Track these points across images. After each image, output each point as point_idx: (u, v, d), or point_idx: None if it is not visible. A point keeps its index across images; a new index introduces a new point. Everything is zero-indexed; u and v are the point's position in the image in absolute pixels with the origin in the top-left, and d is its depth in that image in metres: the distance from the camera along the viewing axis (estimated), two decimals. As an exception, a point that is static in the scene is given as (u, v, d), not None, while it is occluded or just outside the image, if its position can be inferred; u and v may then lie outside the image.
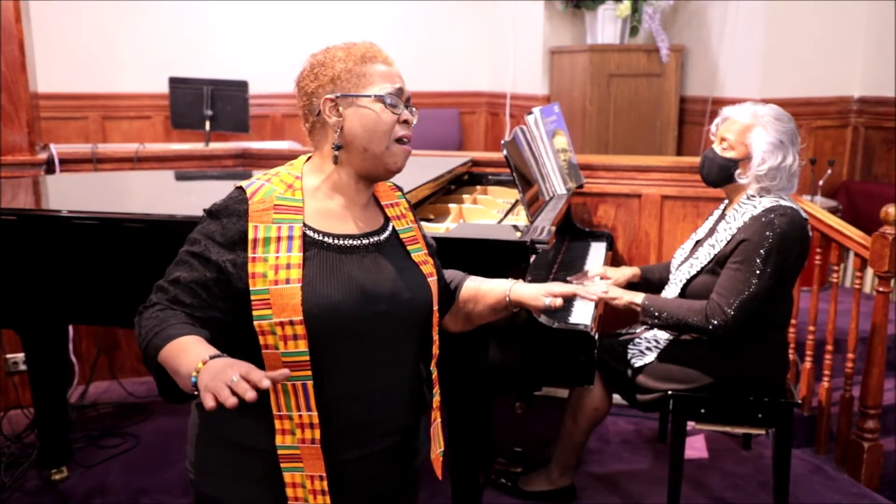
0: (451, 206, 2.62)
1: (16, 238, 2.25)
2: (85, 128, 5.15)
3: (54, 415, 2.74)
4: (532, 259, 2.03)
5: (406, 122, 1.34)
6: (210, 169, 3.50)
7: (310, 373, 1.24)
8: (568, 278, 2.53)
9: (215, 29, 5.30)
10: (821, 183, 4.15)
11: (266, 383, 1.01)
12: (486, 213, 2.60)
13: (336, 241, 1.31)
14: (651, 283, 2.65)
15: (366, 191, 1.38)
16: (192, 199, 2.72)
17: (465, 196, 2.86)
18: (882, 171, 4.48)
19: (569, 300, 2.37)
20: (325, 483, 1.26)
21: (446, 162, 2.98)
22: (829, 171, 4.22)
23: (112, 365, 3.44)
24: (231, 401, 0.99)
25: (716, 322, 2.25)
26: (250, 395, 1.00)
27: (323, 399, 1.26)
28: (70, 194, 2.73)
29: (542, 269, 2.50)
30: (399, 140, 1.33)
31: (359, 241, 1.34)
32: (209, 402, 1.00)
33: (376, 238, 1.36)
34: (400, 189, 1.50)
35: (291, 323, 1.22)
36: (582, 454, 2.79)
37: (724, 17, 4.58)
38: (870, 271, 3.39)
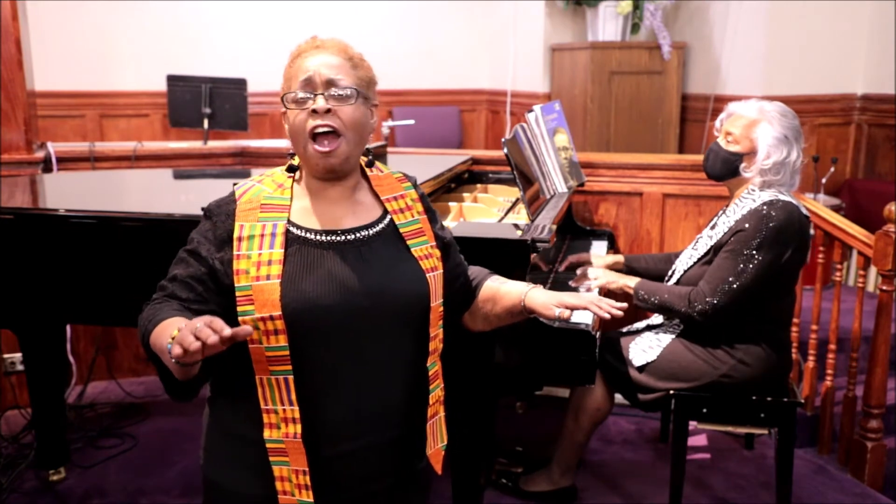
0: (452, 204, 2.60)
1: (13, 237, 2.24)
2: (82, 126, 5.13)
3: (52, 415, 2.72)
4: (533, 258, 2.01)
5: (316, 111, 1.27)
6: (208, 167, 3.48)
7: (290, 367, 1.26)
8: (570, 283, 2.50)
9: (214, 26, 5.28)
10: (824, 181, 4.14)
11: (227, 332, 1.04)
12: (487, 212, 2.58)
13: (318, 237, 1.32)
14: (635, 270, 2.66)
15: (338, 186, 1.36)
16: (191, 197, 2.71)
17: (465, 194, 2.85)
18: (885, 168, 4.46)
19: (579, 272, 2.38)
20: (307, 478, 1.28)
21: (446, 160, 2.97)
22: (832, 169, 4.21)
23: (110, 365, 3.42)
24: (195, 345, 1.03)
25: (698, 308, 2.27)
26: (212, 339, 1.03)
27: (309, 393, 1.28)
28: (68, 193, 2.71)
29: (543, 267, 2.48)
30: (313, 136, 1.28)
31: (343, 237, 1.33)
32: (175, 350, 1.05)
33: (365, 233, 1.35)
34: (411, 179, 1.47)
35: (272, 318, 1.25)
36: (583, 454, 2.78)
37: (726, 14, 4.56)
38: (873, 270, 3.39)
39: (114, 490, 2.67)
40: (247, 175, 2.95)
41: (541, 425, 3.06)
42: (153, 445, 2.97)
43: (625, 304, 1.40)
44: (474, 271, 1.55)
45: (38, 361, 2.67)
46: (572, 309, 1.38)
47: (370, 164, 1.42)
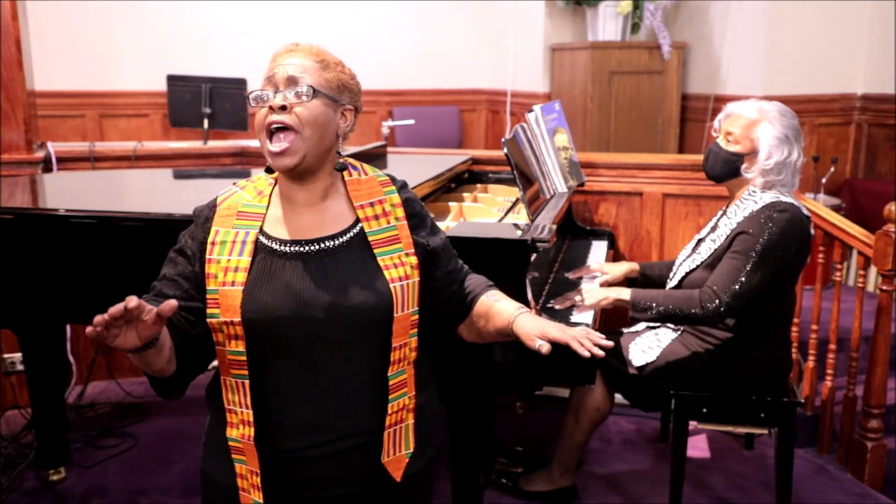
0: (452, 204, 2.60)
1: (13, 237, 2.24)
2: (82, 126, 5.13)
3: (52, 415, 2.72)
4: (533, 258, 2.01)
5: (272, 107, 1.29)
6: (208, 167, 3.49)
7: (246, 372, 1.30)
8: (566, 275, 2.54)
9: (214, 26, 5.28)
10: (824, 181, 4.14)
11: (132, 303, 1.08)
12: (487, 212, 2.58)
13: (283, 248, 1.34)
14: (650, 279, 2.63)
15: (305, 190, 1.36)
16: (191, 197, 2.70)
17: (465, 194, 2.85)
18: (885, 168, 4.46)
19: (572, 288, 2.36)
20: (258, 479, 1.32)
21: (446, 160, 2.97)
22: (832, 169, 4.21)
23: (110, 365, 3.42)
24: (98, 318, 1.07)
25: (710, 307, 2.20)
26: (113, 309, 1.07)
27: (266, 397, 1.33)
28: (67, 193, 2.71)
29: (543, 268, 2.48)
30: (269, 134, 1.29)
31: (306, 248, 1.34)
32: (88, 329, 1.09)
33: (331, 243, 1.35)
34: (396, 183, 1.46)
35: (232, 323, 1.29)
36: (583, 454, 2.78)
37: (726, 14, 4.56)
38: (873, 269, 3.39)
39: (114, 490, 2.67)
40: (247, 175, 2.95)
41: (541, 425, 3.06)
42: (153, 445, 2.97)
43: (610, 343, 1.37)
44: (472, 282, 1.51)
45: (38, 361, 2.67)
46: (553, 342, 1.35)
47: (341, 169, 1.40)
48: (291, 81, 1.30)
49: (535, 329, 1.38)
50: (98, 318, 1.07)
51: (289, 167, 1.30)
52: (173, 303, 1.13)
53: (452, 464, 2.05)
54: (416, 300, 1.38)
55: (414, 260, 1.39)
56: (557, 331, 1.37)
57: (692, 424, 2.44)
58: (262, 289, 1.30)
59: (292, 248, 1.34)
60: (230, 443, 1.34)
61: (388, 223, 1.40)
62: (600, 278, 2.53)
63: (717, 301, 2.21)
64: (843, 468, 2.88)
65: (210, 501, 1.46)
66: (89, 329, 1.09)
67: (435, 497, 2.43)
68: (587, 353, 1.33)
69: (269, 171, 1.41)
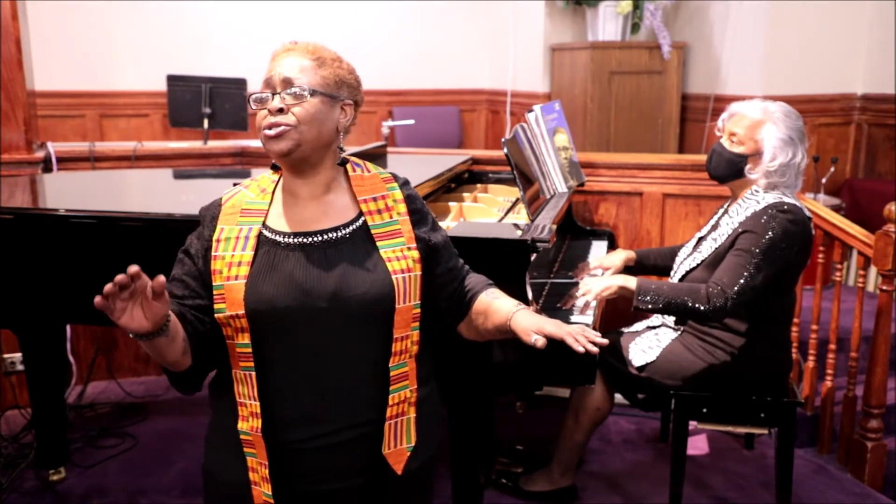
0: (452, 204, 2.60)
1: (13, 237, 2.24)
2: (82, 126, 5.14)
3: (52, 415, 2.72)
4: (533, 258, 2.01)
5: (270, 110, 1.32)
6: (208, 167, 3.49)
7: (252, 364, 1.32)
8: (570, 274, 2.54)
9: (214, 26, 5.28)
10: (824, 181, 4.14)
11: (133, 268, 1.15)
12: (487, 212, 2.58)
13: (286, 240, 1.36)
14: (646, 267, 2.63)
15: (308, 184, 1.39)
16: (191, 197, 2.71)
17: (465, 194, 2.85)
18: (885, 168, 4.46)
19: (572, 288, 2.35)
20: (267, 471, 1.33)
21: (446, 160, 2.97)
22: (832, 169, 4.22)
23: (110, 365, 3.42)
24: (107, 286, 1.13)
25: (718, 303, 2.17)
26: (119, 276, 1.14)
27: (272, 390, 1.34)
28: (67, 193, 2.71)
29: (543, 268, 2.49)
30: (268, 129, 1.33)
31: (310, 239, 1.36)
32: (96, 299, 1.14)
33: (334, 234, 1.37)
34: (399, 180, 1.48)
35: (237, 317, 1.31)
36: (583, 454, 2.78)
37: (726, 13, 4.56)
38: (873, 269, 3.39)
39: (114, 490, 2.67)
40: (247, 175, 2.95)
41: (541, 425, 3.06)
42: (153, 445, 2.97)
43: (605, 341, 1.38)
44: (472, 281, 1.53)
45: (38, 361, 2.67)
46: (549, 338, 1.36)
47: (342, 163, 1.42)
48: (287, 83, 1.33)
49: (531, 325, 1.40)
50: (107, 287, 1.13)
51: (283, 151, 1.32)
52: (161, 278, 1.17)
53: (452, 463, 2.05)
54: (417, 293, 1.39)
55: (416, 254, 1.41)
56: (553, 327, 1.39)
57: (692, 424, 2.44)
58: (265, 280, 1.32)
59: (295, 240, 1.36)
60: (241, 436, 1.34)
61: (391, 217, 1.42)
62: (602, 275, 2.53)
63: (724, 297, 2.18)
64: (843, 468, 2.88)
65: (212, 499, 1.46)
66: (97, 298, 1.13)
67: (435, 497, 2.43)
68: (582, 349, 1.35)
69: (275, 168, 1.43)
